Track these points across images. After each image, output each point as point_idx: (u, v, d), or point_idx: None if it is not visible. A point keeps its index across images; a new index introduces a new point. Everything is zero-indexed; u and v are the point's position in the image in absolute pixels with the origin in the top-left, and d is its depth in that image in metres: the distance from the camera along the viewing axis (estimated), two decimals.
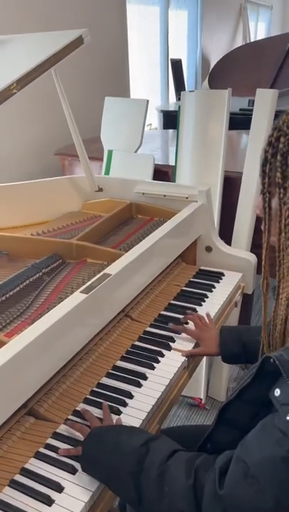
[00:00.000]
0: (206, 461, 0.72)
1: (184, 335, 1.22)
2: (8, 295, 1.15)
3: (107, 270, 1.12)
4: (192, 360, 1.18)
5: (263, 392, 0.72)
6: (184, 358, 1.14)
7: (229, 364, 1.26)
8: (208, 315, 1.27)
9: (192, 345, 1.19)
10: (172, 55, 4.59)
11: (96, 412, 0.95)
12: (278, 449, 0.62)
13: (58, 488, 0.79)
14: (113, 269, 1.12)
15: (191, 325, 1.25)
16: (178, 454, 0.75)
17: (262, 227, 0.83)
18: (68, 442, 0.88)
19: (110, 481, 0.78)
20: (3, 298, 1.14)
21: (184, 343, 1.19)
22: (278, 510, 0.62)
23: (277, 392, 0.67)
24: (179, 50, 4.85)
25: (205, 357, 1.68)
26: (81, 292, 1.01)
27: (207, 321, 1.25)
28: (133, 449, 0.77)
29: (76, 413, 0.96)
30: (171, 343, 1.19)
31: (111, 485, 0.79)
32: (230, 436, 0.76)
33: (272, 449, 0.63)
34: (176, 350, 1.16)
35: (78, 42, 1.39)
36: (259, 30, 7.18)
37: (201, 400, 2.05)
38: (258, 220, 1.89)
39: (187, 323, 1.27)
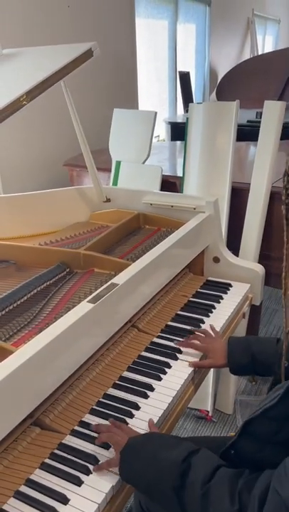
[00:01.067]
0: (248, 482, 0.73)
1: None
2: (15, 304, 1.16)
3: (114, 280, 1.12)
4: (198, 372, 1.16)
5: (287, 413, 0.73)
6: (192, 369, 1.13)
7: (237, 375, 1.25)
8: (212, 327, 1.26)
9: (198, 358, 1.17)
10: (180, 68, 4.64)
11: (103, 422, 0.94)
12: None
13: (64, 500, 0.78)
14: (120, 279, 1.12)
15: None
16: (220, 473, 0.76)
17: (284, 238, 0.85)
18: (74, 454, 0.87)
19: (152, 494, 0.80)
20: (11, 307, 1.14)
21: (189, 357, 1.18)
22: None
23: None
24: (187, 62, 4.91)
25: (212, 369, 1.67)
26: (88, 302, 1.01)
27: (212, 333, 1.23)
28: (175, 464, 0.78)
29: (82, 424, 0.95)
30: (178, 354, 1.18)
31: (153, 497, 0.81)
32: (254, 447, 0.78)
33: None
34: (184, 361, 1.15)
35: (88, 55, 1.41)
36: (267, 43, 7.24)
37: (208, 412, 2.03)
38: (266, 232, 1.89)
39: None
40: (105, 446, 0.89)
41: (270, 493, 0.68)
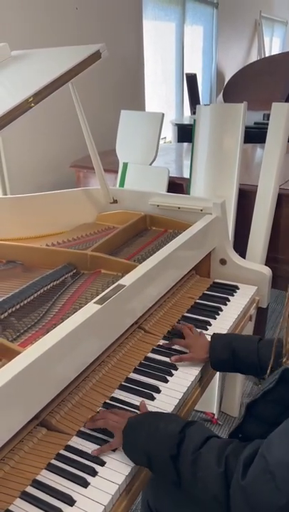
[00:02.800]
0: (236, 448, 0.76)
1: None
2: (22, 304, 1.16)
3: (121, 281, 1.11)
4: (205, 374, 1.16)
5: (286, 396, 0.78)
6: (198, 371, 1.12)
7: (218, 371, 1.26)
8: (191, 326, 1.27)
9: (202, 365, 1.16)
10: (187, 70, 4.64)
11: None
12: None
13: (70, 501, 0.78)
14: (127, 280, 1.12)
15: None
16: (211, 441, 0.80)
17: None
18: (81, 454, 0.87)
19: (152, 465, 0.83)
20: (18, 307, 1.14)
21: (193, 363, 1.17)
22: None
23: None
24: (194, 64, 4.91)
25: (218, 372, 1.66)
26: (95, 303, 1.01)
27: (197, 331, 1.25)
28: (172, 434, 0.82)
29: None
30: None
31: (153, 468, 0.84)
32: (260, 429, 0.81)
33: None
34: (187, 368, 1.14)
35: (96, 56, 1.42)
36: (274, 45, 7.23)
37: (213, 415, 2.02)
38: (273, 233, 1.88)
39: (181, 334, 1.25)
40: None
41: (256, 457, 0.71)
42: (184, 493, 0.82)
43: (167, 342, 1.24)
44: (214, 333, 1.19)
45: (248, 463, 0.71)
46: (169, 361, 1.15)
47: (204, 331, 1.28)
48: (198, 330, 1.28)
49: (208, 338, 1.19)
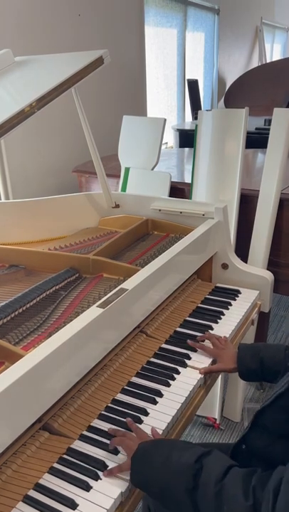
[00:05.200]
0: (261, 479, 0.73)
1: (199, 352, 1.21)
2: (25, 308, 1.16)
3: (123, 285, 1.12)
4: (208, 377, 1.16)
5: None
6: (200, 375, 1.12)
7: (246, 381, 1.25)
8: (225, 337, 1.27)
9: (209, 361, 1.18)
10: (189, 76, 4.66)
11: (111, 427, 0.94)
12: None
13: (72, 504, 0.78)
14: (129, 284, 1.13)
15: (207, 343, 1.24)
16: (233, 471, 0.76)
17: None
18: (83, 459, 0.87)
19: (165, 498, 0.79)
20: (21, 311, 1.15)
21: (200, 361, 1.18)
22: None
23: None
24: (195, 70, 4.93)
25: (220, 377, 1.66)
26: (98, 307, 1.02)
27: (224, 339, 1.24)
28: (187, 466, 0.77)
29: (91, 429, 0.95)
30: (186, 360, 1.17)
31: (166, 502, 0.80)
32: (265, 441, 0.79)
33: None
34: (192, 367, 1.15)
35: (98, 62, 1.43)
36: (275, 51, 7.26)
37: (215, 419, 2.01)
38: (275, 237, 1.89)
39: (203, 341, 1.26)
40: (114, 451, 0.89)
41: (283, 484, 0.68)
42: None
43: (190, 341, 1.23)
44: (241, 344, 1.19)
45: (278, 491, 0.69)
46: (200, 370, 1.13)
47: (210, 331, 1.29)
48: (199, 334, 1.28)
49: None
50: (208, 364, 1.17)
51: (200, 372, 1.13)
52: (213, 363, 1.19)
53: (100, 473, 0.84)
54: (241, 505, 0.71)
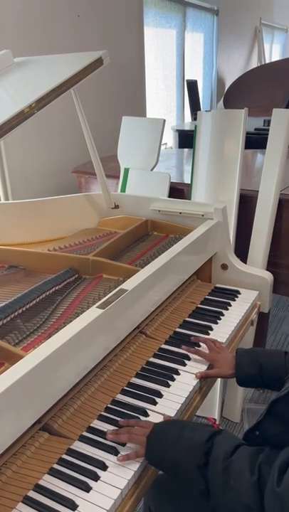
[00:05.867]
0: (268, 456, 0.75)
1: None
2: (24, 309, 1.16)
3: (123, 286, 1.12)
4: (204, 381, 1.15)
5: None
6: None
7: (243, 387, 1.24)
8: (220, 342, 1.25)
9: (206, 365, 1.16)
10: (188, 76, 4.67)
11: (111, 428, 0.94)
12: None
13: (72, 505, 0.78)
14: (129, 285, 1.13)
15: (203, 348, 1.22)
16: (241, 449, 0.79)
17: None
18: (83, 459, 0.87)
19: (178, 473, 0.83)
20: (20, 312, 1.15)
21: (197, 364, 1.17)
22: None
23: None
24: (194, 71, 4.94)
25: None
26: (97, 307, 1.02)
27: (220, 344, 1.22)
28: (199, 443, 0.82)
29: (90, 429, 0.95)
30: (186, 361, 1.18)
31: (179, 477, 0.84)
32: (278, 428, 0.80)
33: None
34: (189, 372, 1.13)
35: (98, 63, 1.43)
36: (274, 52, 7.27)
37: (215, 420, 2.01)
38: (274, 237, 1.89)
39: (199, 345, 1.23)
40: (114, 451, 0.89)
41: None
42: (211, 502, 0.80)
43: (185, 347, 1.21)
44: (238, 349, 1.17)
45: (284, 469, 0.70)
46: (196, 374, 1.12)
47: (206, 336, 1.28)
48: (198, 334, 1.27)
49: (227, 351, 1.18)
50: (206, 368, 1.15)
51: (196, 377, 1.11)
52: (210, 367, 1.17)
53: (100, 474, 0.84)
54: (246, 480, 0.74)
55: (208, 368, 1.16)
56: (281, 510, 0.68)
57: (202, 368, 1.16)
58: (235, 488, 0.75)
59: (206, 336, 1.28)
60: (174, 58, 4.51)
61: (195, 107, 4.38)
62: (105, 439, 0.91)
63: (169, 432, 0.86)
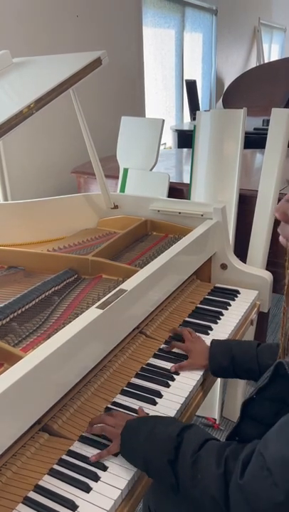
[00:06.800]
0: (235, 450, 0.76)
1: None
2: (24, 309, 1.16)
3: (122, 286, 1.12)
4: (206, 379, 1.16)
5: (282, 392, 0.78)
6: (200, 375, 1.12)
7: (218, 377, 1.26)
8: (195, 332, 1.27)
9: (203, 369, 1.16)
10: (187, 76, 4.67)
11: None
12: None
13: (72, 506, 0.77)
14: (128, 285, 1.12)
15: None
16: (209, 443, 0.80)
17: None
18: (83, 460, 0.87)
19: (149, 468, 0.84)
20: (19, 312, 1.15)
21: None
22: None
23: None
24: (193, 71, 4.94)
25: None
26: (97, 308, 1.02)
27: (196, 334, 1.25)
28: (169, 438, 0.82)
29: None
30: (186, 361, 1.17)
31: (150, 472, 0.84)
32: (257, 431, 0.79)
33: (287, 446, 0.67)
34: (189, 372, 1.13)
35: (97, 63, 1.43)
36: (273, 51, 7.28)
37: (215, 420, 2.01)
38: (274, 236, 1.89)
39: (180, 336, 1.25)
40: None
41: (254, 456, 0.71)
42: (181, 496, 0.82)
43: (167, 346, 1.24)
44: (213, 340, 1.18)
45: (247, 462, 0.71)
46: (171, 368, 1.14)
47: (205, 336, 1.29)
48: (198, 334, 1.28)
49: (207, 342, 1.19)
50: (202, 372, 1.15)
51: (170, 370, 1.13)
52: (206, 371, 1.17)
53: (100, 474, 0.84)
54: (213, 473, 0.75)
55: (205, 370, 1.16)
56: (245, 501, 0.70)
57: (201, 368, 1.16)
58: (203, 481, 0.76)
59: (210, 332, 1.29)
60: (172, 58, 4.51)
61: (194, 106, 4.38)
62: (106, 439, 0.91)
63: (142, 428, 0.87)
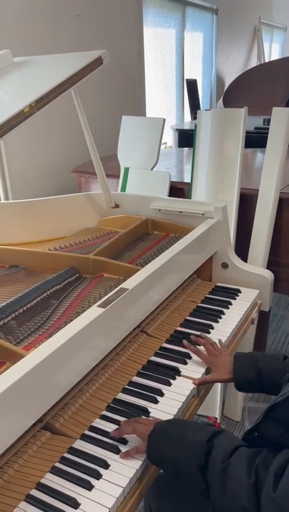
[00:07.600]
0: (265, 459, 0.76)
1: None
2: (25, 308, 1.16)
3: (123, 285, 1.12)
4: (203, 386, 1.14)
5: None
6: (201, 374, 1.13)
7: (242, 392, 1.23)
8: (220, 341, 1.24)
9: (204, 368, 1.16)
10: (187, 76, 4.66)
11: (113, 427, 0.94)
12: None
13: (74, 504, 0.78)
14: (130, 284, 1.13)
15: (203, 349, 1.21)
16: (240, 450, 0.80)
17: None
18: (85, 458, 0.87)
19: (179, 473, 0.83)
20: (21, 311, 1.15)
21: (199, 362, 1.17)
22: None
23: None
24: (194, 70, 4.93)
25: None
26: (98, 306, 1.02)
27: (219, 346, 1.21)
28: (200, 444, 0.82)
29: (92, 428, 0.95)
30: (187, 360, 1.18)
31: (180, 476, 0.84)
32: (277, 431, 0.80)
33: None
34: (186, 377, 1.12)
35: (98, 62, 1.43)
36: (273, 51, 7.26)
37: (216, 419, 2.01)
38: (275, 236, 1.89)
39: (198, 345, 1.22)
40: (115, 450, 0.89)
41: (287, 469, 0.70)
42: (211, 503, 0.81)
43: (186, 342, 1.21)
44: (237, 353, 1.15)
45: (279, 474, 0.71)
46: (194, 382, 1.10)
47: (207, 335, 1.29)
48: (207, 335, 1.27)
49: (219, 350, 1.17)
50: (204, 371, 1.15)
51: (194, 383, 1.09)
52: (208, 370, 1.16)
53: (103, 472, 0.84)
54: (243, 482, 0.74)
55: (207, 368, 1.16)
56: None
57: (203, 366, 1.16)
58: (233, 489, 0.75)
59: (207, 335, 1.28)
60: (173, 58, 4.51)
61: (195, 106, 4.38)
62: (107, 437, 0.92)
63: (171, 431, 0.86)
